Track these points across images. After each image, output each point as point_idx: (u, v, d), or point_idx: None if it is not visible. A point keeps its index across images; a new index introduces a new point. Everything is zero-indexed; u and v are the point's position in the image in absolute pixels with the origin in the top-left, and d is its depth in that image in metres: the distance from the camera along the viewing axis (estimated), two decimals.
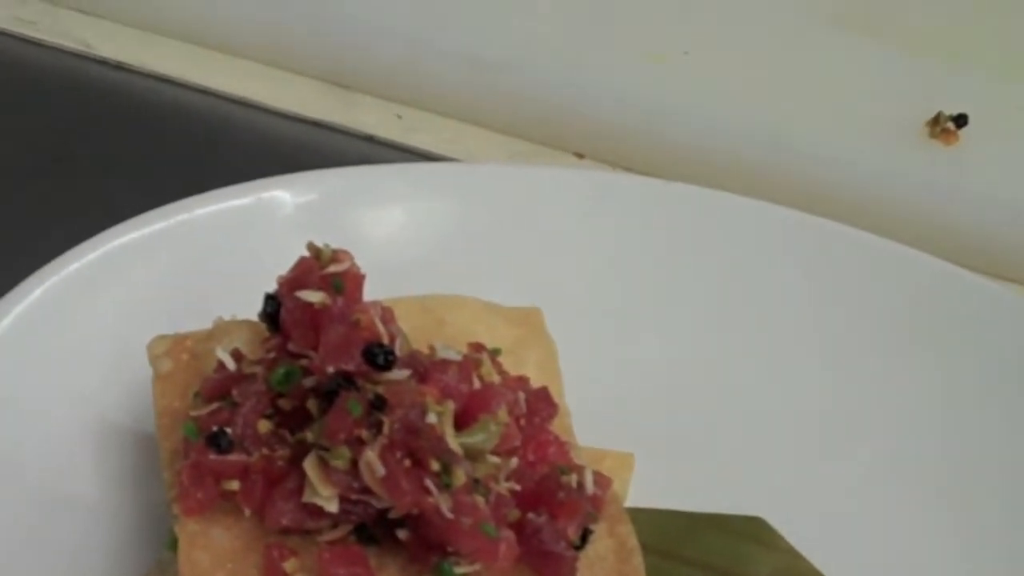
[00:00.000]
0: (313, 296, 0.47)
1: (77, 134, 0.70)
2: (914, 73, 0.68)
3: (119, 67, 0.73)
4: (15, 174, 0.68)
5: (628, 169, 0.67)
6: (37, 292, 0.54)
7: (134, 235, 0.56)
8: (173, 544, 0.47)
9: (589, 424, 0.51)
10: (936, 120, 0.67)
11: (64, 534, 0.51)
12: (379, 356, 0.45)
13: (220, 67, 0.73)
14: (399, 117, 0.70)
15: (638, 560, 0.47)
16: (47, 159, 0.68)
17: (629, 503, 0.50)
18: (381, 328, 0.46)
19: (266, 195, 0.57)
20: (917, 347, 0.57)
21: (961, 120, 0.66)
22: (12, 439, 0.51)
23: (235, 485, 0.46)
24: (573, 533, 0.46)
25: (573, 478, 0.46)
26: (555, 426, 0.49)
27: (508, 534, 0.45)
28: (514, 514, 0.45)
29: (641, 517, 0.49)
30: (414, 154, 0.68)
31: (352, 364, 0.45)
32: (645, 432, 0.54)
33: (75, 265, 0.55)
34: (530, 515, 0.46)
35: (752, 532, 0.52)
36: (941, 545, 0.54)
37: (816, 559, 0.52)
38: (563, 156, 0.69)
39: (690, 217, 0.59)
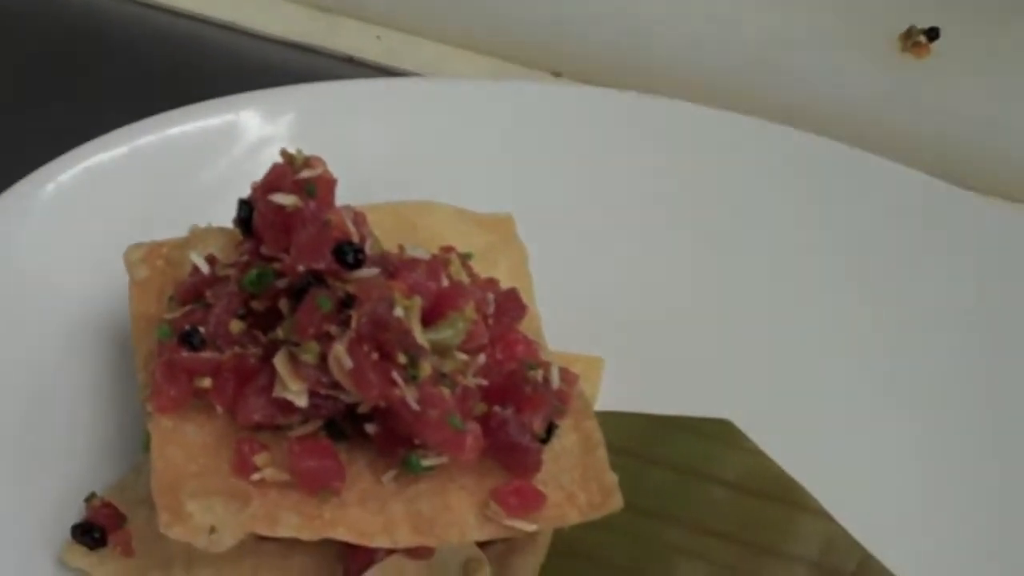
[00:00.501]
0: (285, 199, 0.48)
1: (61, 58, 0.70)
2: None
3: None
4: (7, 93, 0.68)
5: (604, 86, 0.67)
6: (17, 203, 0.55)
7: (113, 148, 0.57)
8: (147, 444, 0.48)
9: (560, 330, 0.52)
10: (908, 33, 0.68)
11: (42, 442, 0.52)
12: (349, 254, 0.46)
13: None
14: (378, 39, 0.70)
15: (602, 452, 0.48)
16: (36, 81, 0.68)
17: (600, 407, 0.51)
18: (352, 228, 0.47)
19: (243, 110, 0.58)
20: (882, 251, 0.58)
21: (932, 33, 0.67)
22: None
23: (207, 383, 0.47)
24: (539, 426, 0.47)
25: (539, 373, 0.47)
26: (524, 327, 0.50)
27: (474, 427, 0.46)
28: (480, 408, 0.46)
29: (611, 421, 0.50)
30: (394, 75, 0.68)
31: (322, 262, 0.46)
32: (615, 338, 0.55)
33: (56, 177, 0.56)
34: (496, 408, 0.46)
35: (719, 433, 0.54)
36: (901, 443, 0.54)
37: (781, 459, 0.53)
38: (541, 75, 0.70)
39: (661, 128, 0.60)
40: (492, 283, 0.50)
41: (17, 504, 0.50)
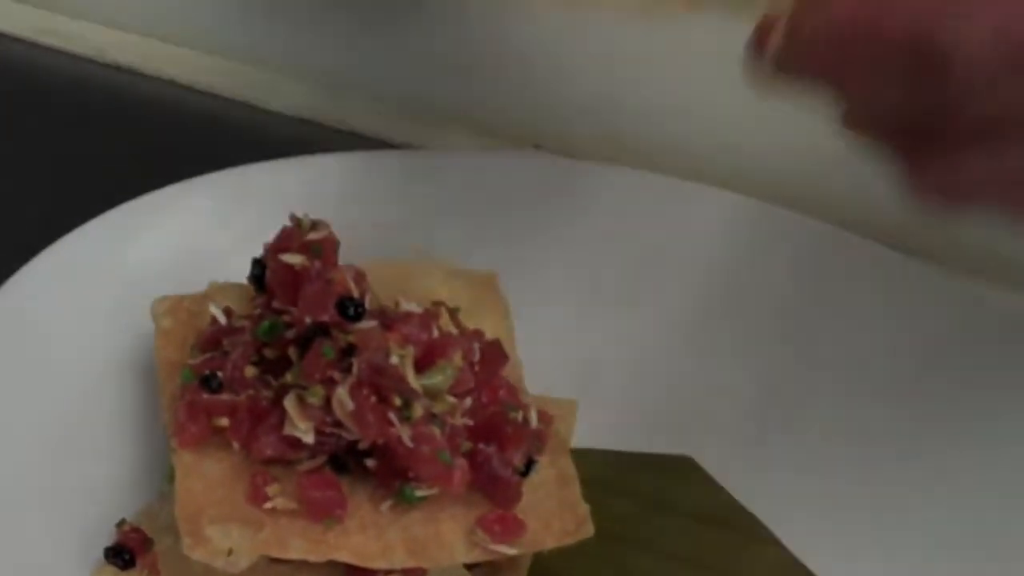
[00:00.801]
0: (294, 259, 0.52)
1: (92, 131, 0.73)
2: None
3: (130, 71, 0.77)
4: (40, 163, 0.72)
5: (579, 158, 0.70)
6: (56, 260, 0.59)
7: (141, 212, 0.61)
8: (172, 476, 0.52)
9: (539, 375, 0.55)
10: None
11: (79, 473, 0.55)
12: (350, 308, 0.50)
13: (222, 71, 0.76)
14: (379, 115, 0.74)
15: (575, 486, 0.51)
16: (67, 151, 0.72)
17: (574, 445, 0.54)
18: (353, 285, 0.51)
19: (257, 178, 0.62)
20: (817, 305, 0.61)
21: None
22: (33, 387, 0.56)
23: (225, 422, 0.50)
24: (519, 462, 0.51)
25: (519, 415, 0.51)
26: (507, 374, 0.54)
27: (462, 462, 0.50)
28: (467, 445, 0.50)
29: (584, 456, 0.54)
30: (392, 148, 0.71)
31: (327, 315, 0.50)
32: (589, 383, 0.58)
33: (91, 237, 0.60)
34: (481, 446, 0.50)
35: (681, 469, 0.57)
36: (845, 479, 0.57)
37: (736, 492, 0.56)
38: (524, 148, 0.72)
39: (627, 195, 0.63)
40: (478, 334, 0.54)
41: (56, 528, 0.53)
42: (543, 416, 0.52)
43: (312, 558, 0.49)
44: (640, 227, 0.63)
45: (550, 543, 0.50)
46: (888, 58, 0.42)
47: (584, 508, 0.51)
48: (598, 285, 0.62)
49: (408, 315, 0.51)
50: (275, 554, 0.49)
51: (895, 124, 0.44)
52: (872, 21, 0.42)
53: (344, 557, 0.49)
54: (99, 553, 0.52)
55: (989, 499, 0.56)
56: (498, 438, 0.51)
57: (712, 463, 0.57)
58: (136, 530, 0.53)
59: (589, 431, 0.56)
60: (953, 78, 0.41)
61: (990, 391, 0.58)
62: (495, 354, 0.53)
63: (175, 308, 0.56)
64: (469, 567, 0.51)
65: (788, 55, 0.45)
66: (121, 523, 0.53)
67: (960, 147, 0.43)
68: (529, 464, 0.51)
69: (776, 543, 0.55)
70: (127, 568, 0.52)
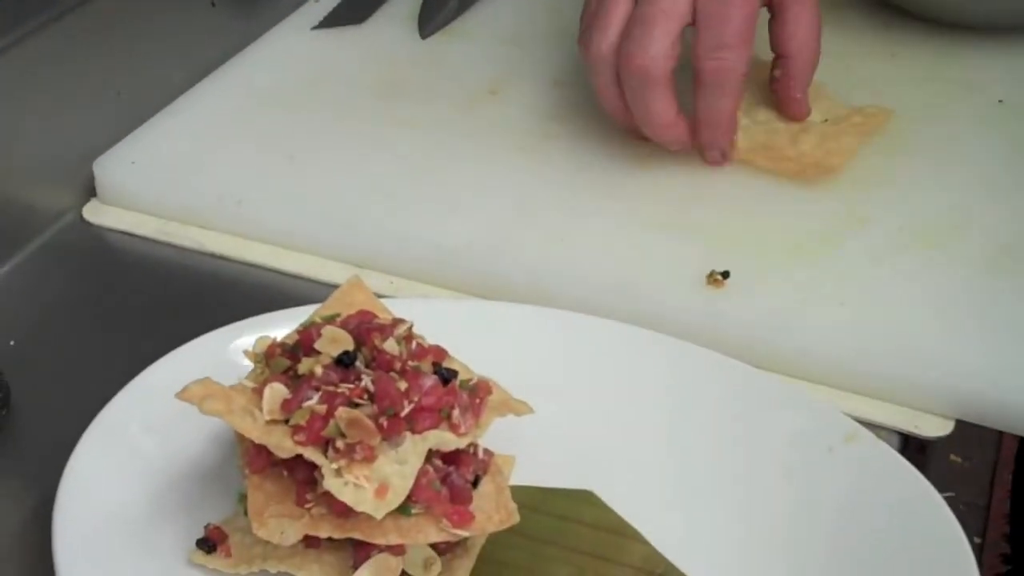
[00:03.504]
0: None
1: (192, 303, 0.87)
2: (700, 248, 0.86)
3: (221, 258, 0.91)
4: (155, 319, 0.86)
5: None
6: (139, 389, 0.75)
7: (205, 348, 0.78)
8: (241, 498, 0.68)
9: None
10: (711, 274, 0.82)
11: (183, 497, 0.71)
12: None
13: (283, 257, 0.90)
14: (391, 283, 0.87)
15: (507, 493, 0.66)
16: (176, 316, 0.86)
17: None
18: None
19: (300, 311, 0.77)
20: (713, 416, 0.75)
21: (725, 274, 0.82)
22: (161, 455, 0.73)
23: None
24: (470, 477, 0.66)
25: (471, 448, 0.68)
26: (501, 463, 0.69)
27: (445, 492, 0.65)
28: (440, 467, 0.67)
29: (516, 490, 0.67)
30: None
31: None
32: (520, 445, 0.72)
33: (174, 364, 0.76)
34: (451, 467, 0.66)
35: (583, 498, 0.71)
36: (742, 514, 0.70)
37: (634, 522, 0.69)
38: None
39: (565, 333, 0.78)
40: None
41: (170, 529, 0.69)
42: (487, 453, 0.67)
43: (336, 535, 0.63)
44: (564, 353, 0.77)
45: (491, 528, 0.64)
46: None
47: (513, 506, 0.65)
48: (554, 397, 0.72)
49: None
50: (311, 532, 0.63)
51: None
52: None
53: (356, 535, 0.63)
54: (192, 543, 0.68)
55: None
56: (457, 462, 0.67)
57: (607, 495, 0.70)
58: (217, 529, 0.68)
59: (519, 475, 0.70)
60: None
61: None
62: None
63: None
64: (435, 548, 0.65)
65: None
66: (208, 525, 0.68)
67: None
68: (476, 479, 0.65)
69: (643, 541, 0.68)
70: (211, 552, 0.67)
